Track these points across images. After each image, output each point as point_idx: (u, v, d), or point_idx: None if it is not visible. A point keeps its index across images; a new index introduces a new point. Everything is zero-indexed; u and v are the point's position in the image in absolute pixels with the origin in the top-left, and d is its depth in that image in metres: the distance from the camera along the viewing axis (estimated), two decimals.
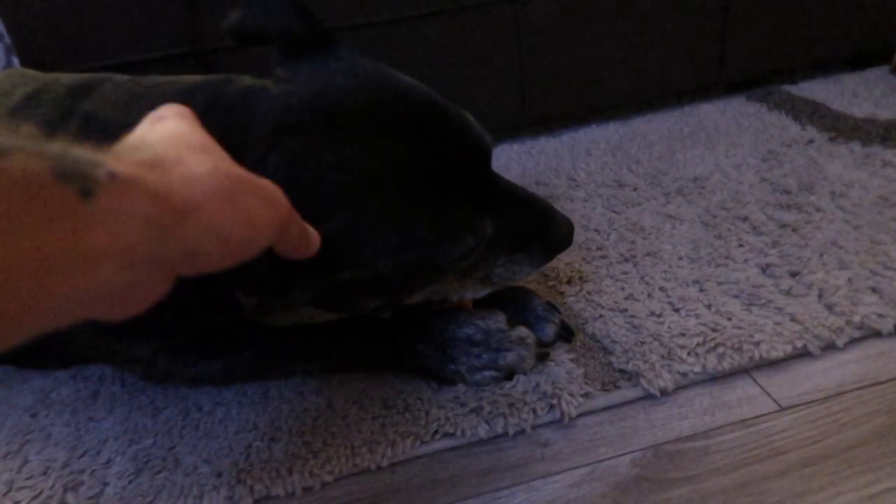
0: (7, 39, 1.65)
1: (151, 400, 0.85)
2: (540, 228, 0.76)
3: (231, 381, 0.85)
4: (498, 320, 0.80)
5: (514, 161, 1.42)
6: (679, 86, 1.59)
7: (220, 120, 0.63)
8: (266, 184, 0.48)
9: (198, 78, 0.71)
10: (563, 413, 0.75)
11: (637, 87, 1.55)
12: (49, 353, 0.89)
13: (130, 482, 0.73)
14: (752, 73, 1.62)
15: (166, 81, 0.72)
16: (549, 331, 0.84)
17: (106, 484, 0.73)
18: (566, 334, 0.85)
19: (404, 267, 0.66)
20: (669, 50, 1.52)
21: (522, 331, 0.80)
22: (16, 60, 1.66)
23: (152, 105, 0.68)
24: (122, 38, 1.26)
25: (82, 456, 0.78)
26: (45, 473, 0.76)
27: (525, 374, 0.80)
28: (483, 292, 0.79)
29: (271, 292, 0.63)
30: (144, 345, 0.80)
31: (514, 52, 1.44)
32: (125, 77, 0.75)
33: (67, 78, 0.76)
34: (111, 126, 0.68)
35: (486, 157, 0.72)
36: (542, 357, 0.81)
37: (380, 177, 0.63)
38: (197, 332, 0.81)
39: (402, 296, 0.74)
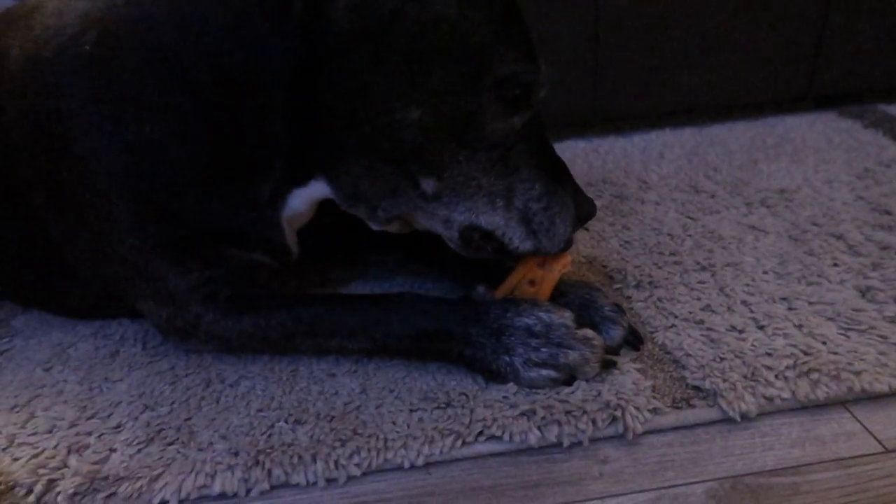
0: None
1: (172, 366, 0.79)
2: (573, 190, 0.74)
3: (260, 347, 0.77)
4: (563, 316, 0.70)
5: (580, 158, 1.33)
6: (764, 95, 1.47)
7: None
8: None
9: None
10: (626, 428, 0.66)
11: (718, 93, 1.44)
12: (78, 287, 0.84)
13: (139, 451, 0.66)
14: (845, 89, 1.50)
15: None
16: (616, 333, 0.75)
17: (113, 450, 0.67)
18: (634, 340, 0.76)
19: (461, 42, 0.63)
20: (757, 56, 1.41)
21: (589, 332, 0.71)
22: None
23: None
24: None
25: (91, 417, 0.71)
26: (49, 432, 0.70)
27: (587, 380, 0.70)
28: (526, 241, 0.72)
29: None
30: (186, 275, 0.74)
31: (590, 44, 1.35)
32: None
33: None
34: None
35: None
36: (608, 365, 0.71)
37: None
38: (237, 273, 0.77)
39: (439, 95, 0.64)
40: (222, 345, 0.78)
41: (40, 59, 0.71)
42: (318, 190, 0.74)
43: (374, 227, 0.76)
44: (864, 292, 0.83)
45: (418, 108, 0.65)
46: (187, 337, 0.78)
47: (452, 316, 0.72)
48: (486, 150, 0.68)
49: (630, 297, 0.86)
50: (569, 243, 0.74)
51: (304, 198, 0.75)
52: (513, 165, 0.70)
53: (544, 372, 0.68)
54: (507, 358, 0.69)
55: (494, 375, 0.71)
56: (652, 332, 0.79)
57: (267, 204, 0.75)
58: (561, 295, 0.77)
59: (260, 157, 0.71)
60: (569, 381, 0.70)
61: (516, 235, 0.72)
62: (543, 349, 0.68)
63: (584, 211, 0.74)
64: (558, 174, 0.73)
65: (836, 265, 0.89)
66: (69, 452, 0.66)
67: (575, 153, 1.35)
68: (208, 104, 0.68)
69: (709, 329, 0.78)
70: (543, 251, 0.73)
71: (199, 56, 0.67)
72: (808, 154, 1.25)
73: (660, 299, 0.85)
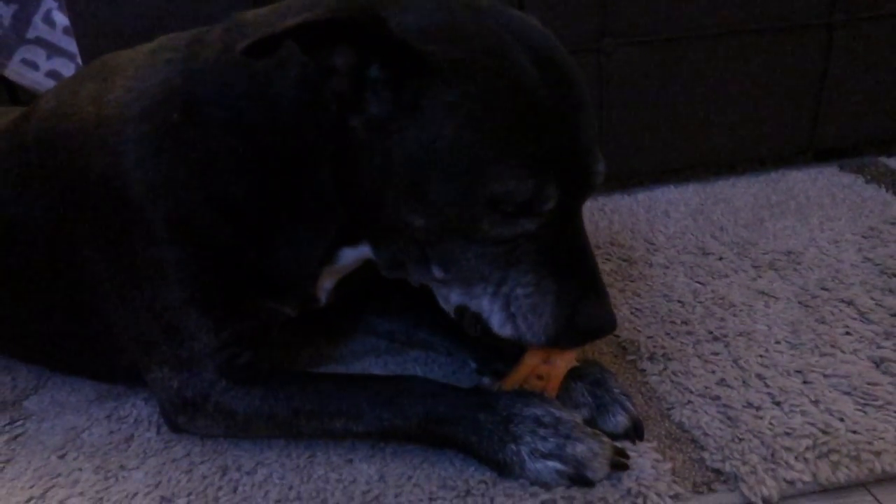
0: (79, 60, 1.68)
1: (188, 452, 0.79)
2: (581, 295, 0.69)
3: (264, 426, 0.77)
4: (573, 414, 0.71)
5: (585, 218, 1.33)
6: (766, 150, 1.49)
7: None
8: None
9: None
10: None
11: (721, 149, 1.46)
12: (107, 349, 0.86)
13: None
14: (846, 142, 1.52)
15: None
16: (621, 420, 0.74)
17: None
18: (634, 434, 0.74)
19: (456, 160, 0.64)
20: (759, 111, 1.43)
21: (599, 433, 0.70)
22: None
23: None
24: None
25: None
26: None
27: (595, 481, 0.68)
28: (505, 326, 0.71)
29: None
30: (217, 333, 0.77)
31: (594, 103, 1.37)
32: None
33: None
34: None
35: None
36: (618, 466, 0.69)
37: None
38: (262, 327, 0.82)
39: (438, 208, 0.66)
40: (228, 422, 0.78)
41: (125, 118, 0.76)
42: (365, 251, 0.78)
43: (414, 284, 0.78)
44: (878, 363, 0.83)
45: (421, 217, 0.68)
46: (194, 413, 0.78)
47: (462, 401, 0.73)
48: (495, 245, 0.68)
49: (644, 371, 0.86)
50: (569, 344, 0.72)
51: (353, 256, 0.81)
52: (516, 259, 0.69)
53: (550, 464, 0.67)
54: (513, 447, 0.69)
55: (500, 466, 0.70)
56: (668, 409, 0.79)
57: (318, 259, 0.80)
58: (573, 370, 0.77)
59: (319, 219, 0.77)
60: (577, 478, 0.67)
61: (496, 319, 0.72)
62: (551, 439, 0.68)
63: (589, 323, 0.69)
64: (571, 273, 0.70)
65: (848, 333, 0.89)
66: None
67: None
68: (277, 168, 0.75)
69: (725, 406, 0.78)
70: (525, 339, 0.71)
71: (272, 130, 0.73)
72: (813, 211, 1.26)
73: (674, 373, 0.85)
